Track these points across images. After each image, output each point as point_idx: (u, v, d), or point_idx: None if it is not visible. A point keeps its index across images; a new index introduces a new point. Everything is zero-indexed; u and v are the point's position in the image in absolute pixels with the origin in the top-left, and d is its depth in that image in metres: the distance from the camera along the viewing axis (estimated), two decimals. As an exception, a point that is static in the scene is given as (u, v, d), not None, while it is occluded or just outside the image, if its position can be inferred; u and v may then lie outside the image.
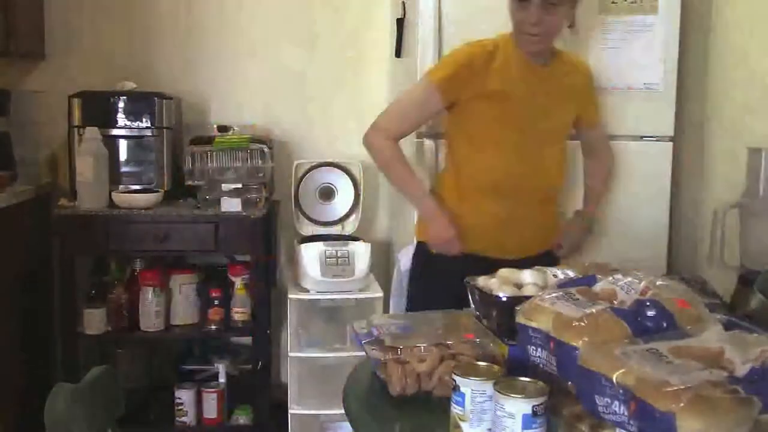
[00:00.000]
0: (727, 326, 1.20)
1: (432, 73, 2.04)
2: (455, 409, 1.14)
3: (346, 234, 2.92)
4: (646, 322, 1.15)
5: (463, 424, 1.13)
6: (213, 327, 2.83)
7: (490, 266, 1.67)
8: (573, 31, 2.34)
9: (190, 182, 2.78)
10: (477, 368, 1.19)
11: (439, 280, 2.01)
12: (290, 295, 2.76)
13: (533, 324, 1.22)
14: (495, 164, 2.03)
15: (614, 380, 0.99)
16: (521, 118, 2.02)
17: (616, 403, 0.99)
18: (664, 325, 1.15)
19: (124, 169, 2.84)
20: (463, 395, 1.13)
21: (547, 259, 2.05)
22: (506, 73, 1.98)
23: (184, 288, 2.83)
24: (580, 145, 2.31)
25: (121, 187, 2.77)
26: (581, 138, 2.28)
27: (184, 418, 2.82)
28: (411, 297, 2.18)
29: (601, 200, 2.35)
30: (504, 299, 1.38)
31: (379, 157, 2.09)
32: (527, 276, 1.49)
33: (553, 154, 2.11)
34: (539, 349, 1.21)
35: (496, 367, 1.20)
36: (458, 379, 1.14)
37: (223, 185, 2.74)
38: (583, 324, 1.14)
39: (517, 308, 1.29)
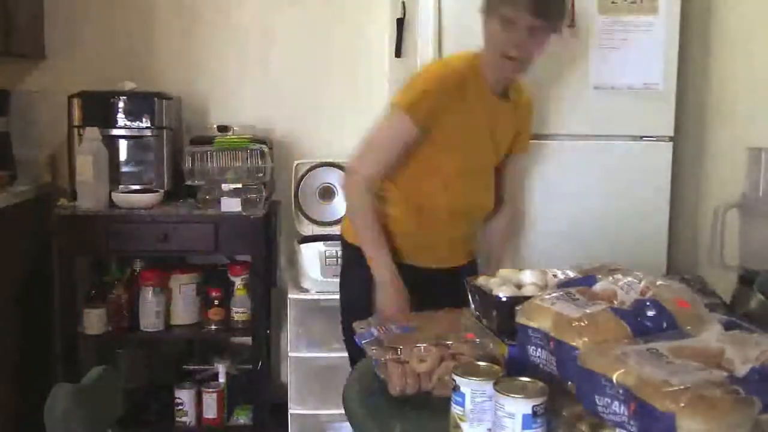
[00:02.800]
0: (727, 326, 1.20)
1: (403, 103, 1.86)
2: (455, 409, 1.14)
3: (346, 234, 2.92)
4: (646, 322, 1.15)
5: (463, 424, 1.13)
6: (213, 327, 2.83)
7: (418, 274, 1.91)
8: (573, 31, 2.35)
9: (190, 182, 2.78)
10: (477, 368, 1.19)
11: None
12: (290, 295, 2.76)
13: (533, 324, 1.22)
14: (438, 192, 1.94)
15: (614, 380, 0.99)
16: (475, 150, 1.95)
17: (616, 403, 0.99)
18: (664, 325, 1.15)
19: (124, 169, 2.84)
20: (463, 395, 1.13)
21: (471, 267, 2.09)
22: (474, 103, 1.89)
23: (184, 288, 2.83)
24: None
25: (121, 187, 2.77)
26: (503, 168, 2.13)
27: (184, 418, 2.82)
28: (346, 301, 2.08)
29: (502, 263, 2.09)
30: (504, 299, 1.38)
31: (358, 212, 1.94)
32: (527, 276, 1.49)
33: (490, 180, 2.07)
34: (539, 349, 1.21)
35: (496, 367, 1.20)
36: (458, 379, 1.14)
37: (223, 185, 2.74)
38: (583, 324, 1.14)
39: (517, 308, 1.29)
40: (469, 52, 1.92)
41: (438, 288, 1.92)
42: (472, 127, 1.92)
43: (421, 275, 1.96)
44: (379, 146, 1.90)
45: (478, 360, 1.27)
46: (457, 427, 1.14)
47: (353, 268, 2.02)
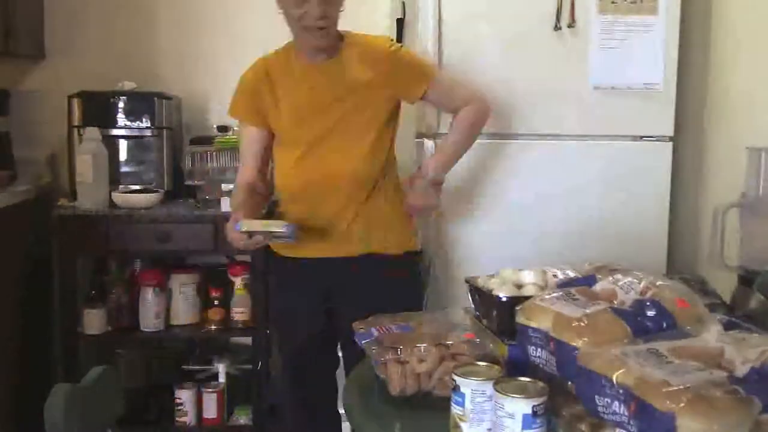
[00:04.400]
0: (727, 326, 1.20)
1: (230, 110, 2.08)
2: (455, 409, 1.14)
3: (346, 234, 2.91)
4: (646, 322, 1.15)
5: (463, 424, 1.13)
6: (213, 327, 2.83)
7: (319, 266, 1.96)
8: (573, 31, 2.35)
9: (190, 182, 2.78)
10: (477, 368, 1.19)
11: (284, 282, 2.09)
12: (290, 295, 2.76)
13: (533, 324, 1.22)
14: (287, 170, 2.02)
15: (614, 380, 0.99)
16: (306, 119, 1.96)
17: (616, 403, 0.99)
18: (664, 325, 1.15)
19: (124, 169, 2.84)
20: (463, 395, 1.13)
21: (371, 260, 1.97)
22: (286, 78, 1.98)
23: (184, 288, 2.83)
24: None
25: (121, 187, 2.77)
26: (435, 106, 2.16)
27: (184, 418, 2.82)
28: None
29: (446, 151, 2.07)
30: (504, 299, 1.38)
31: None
32: (527, 276, 1.49)
33: (355, 147, 1.96)
34: (539, 349, 1.21)
35: (496, 367, 1.20)
36: (458, 379, 1.14)
37: (223, 185, 2.74)
38: (583, 324, 1.14)
39: (517, 308, 1.29)
40: (285, 44, 2.03)
41: (336, 282, 1.97)
42: (292, 100, 1.97)
43: (311, 268, 1.99)
44: (240, 155, 2.12)
45: (478, 360, 1.28)
46: (457, 427, 1.14)
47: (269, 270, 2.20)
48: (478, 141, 2.23)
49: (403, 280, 2.03)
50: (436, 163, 2.03)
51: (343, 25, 3.09)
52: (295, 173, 1.99)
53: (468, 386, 1.13)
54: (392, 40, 2.15)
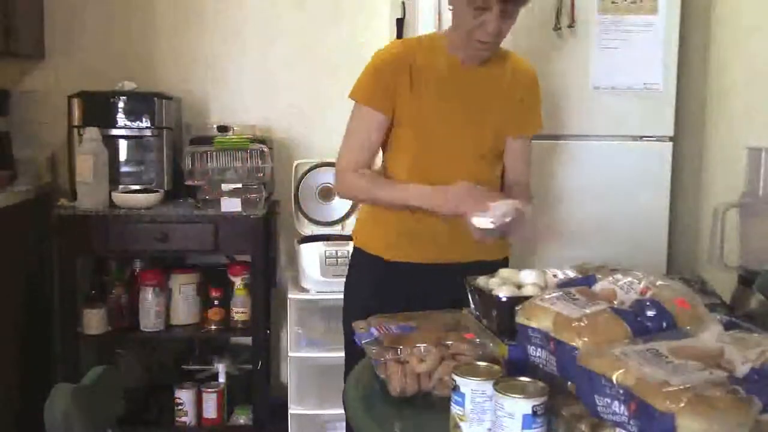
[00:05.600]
0: (727, 326, 1.20)
1: (354, 92, 1.86)
2: (455, 409, 1.14)
3: (346, 234, 2.91)
4: (646, 322, 1.15)
5: (462, 424, 1.13)
6: (213, 327, 2.83)
7: (412, 271, 1.83)
8: (573, 31, 2.35)
9: (190, 182, 2.78)
10: (477, 368, 1.19)
11: (377, 286, 1.91)
12: (290, 295, 2.76)
13: (533, 324, 1.22)
14: (403, 171, 1.86)
15: (614, 380, 0.99)
16: (453, 119, 1.84)
17: (616, 403, 0.99)
18: (664, 325, 1.15)
19: (124, 169, 2.84)
20: (463, 395, 1.13)
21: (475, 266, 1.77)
22: (432, 69, 1.82)
23: (184, 288, 2.83)
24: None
25: (121, 187, 2.77)
26: (505, 156, 1.95)
27: (184, 418, 2.82)
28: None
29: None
30: (504, 299, 1.38)
31: (359, 195, 1.91)
32: (527, 276, 1.49)
33: (474, 161, 1.87)
34: (539, 349, 1.21)
35: (496, 367, 1.20)
36: (458, 379, 1.14)
37: (223, 185, 2.74)
38: (583, 324, 1.14)
39: (517, 308, 1.29)
40: (427, 33, 1.90)
41: (433, 287, 1.86)
42: (429, 99, 1.82)
43: (415, 273, 1.89)
44: (347, 140, 1.88)
45: (478, 360, 1.27)
46: (457, 427, 1.14)
47: (354, 269, 2.01)
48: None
49: None
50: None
51: (343, 26, 3.12)
52: (419, 172, 1.84)
53: (468, 386, 1.12)
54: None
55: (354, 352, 1.79)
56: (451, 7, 1.79)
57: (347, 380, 1.50)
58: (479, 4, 1.69)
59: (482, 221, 1.63)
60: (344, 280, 2.03)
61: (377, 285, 1.93)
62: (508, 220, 1.63)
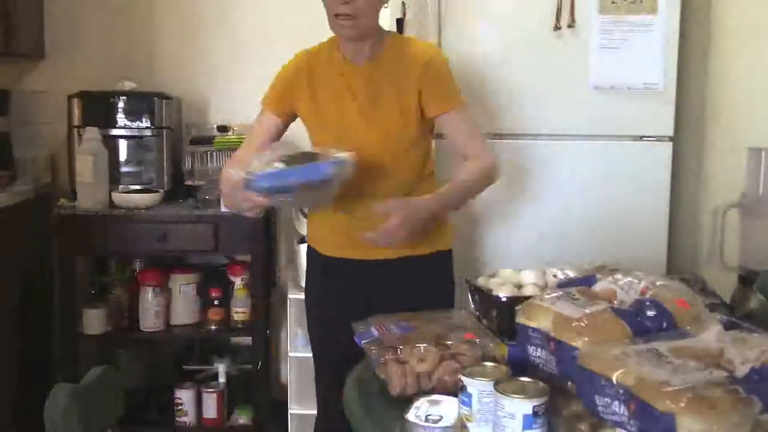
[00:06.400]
0: (727, 326, 1.20)
1: (262, 99, 2.02)
2: (462, 410, 1.14)
3: (346, 234, 2.91)
4: (646, 322, 1.15)
5: (469, 425, 1.13)
6: (213, 327, 2.83)
7: (345, 266, 1.91)
8: (573, 31, 2.35)
9: (190, 182, 2.78)
10: (484, 369, 1.20)
11: (325, 281, 2.01)
12: (290, 295, 2.76)
13: (533, 324, 1.22)
14: None
15: (614, 380, 0.99)
16: (348, 114, 1.90)
17: (616, 403, 0.99)
18: (664, 325, 1.15)
19: (124, 169, 2.84)
20: (470, 395, 1.13)
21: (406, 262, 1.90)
22: (324, 75, 1.93)
23: (184, 288, 2.83)
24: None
25: (121, 187, 2.77)
26: (445, 136, 1.98)
27: (184, 418, 2.82)
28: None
29: (448, 196, 1.89)
30: (504, 299, 1.39)
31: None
32: (527, 276, 1.49)
33: (383, 153, 1.89)
34: (539, 349, 1.21)
35: (503, 368, 1.20)
36: (465, 380, 1.14)
37: (223, 185, 2.74)
38: (583, 324, 1.14)
39: (517, 308, 1.29)
40: (330, 37, 1.97)
41: (374, 283, 1.92)
42: (328, 99, 1.91)
43: (352, 269, 1.95)
44: (247, 143, 2.02)
45: (478, 360, 1.27)
46: (464, 427, 1.14)
47: (307, 268, 2.09)
48: (477, 141, 2.23)
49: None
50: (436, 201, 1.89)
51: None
52: None
53: (475, 386, 1.13)
54: (437, 48, 2.02)
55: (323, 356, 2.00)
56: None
57: (347, 380, 1.49)
58: None
59: (234, 173, 1.68)
60: None
61: (327, 281, 2.01)
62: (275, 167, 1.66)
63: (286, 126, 2.00)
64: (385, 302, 1.69)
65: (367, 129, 1.89)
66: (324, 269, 2.01)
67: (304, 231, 2.89)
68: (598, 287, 1.30)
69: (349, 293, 1.95)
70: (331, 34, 1.94)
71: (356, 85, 1.90)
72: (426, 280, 1.94)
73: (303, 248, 2.74)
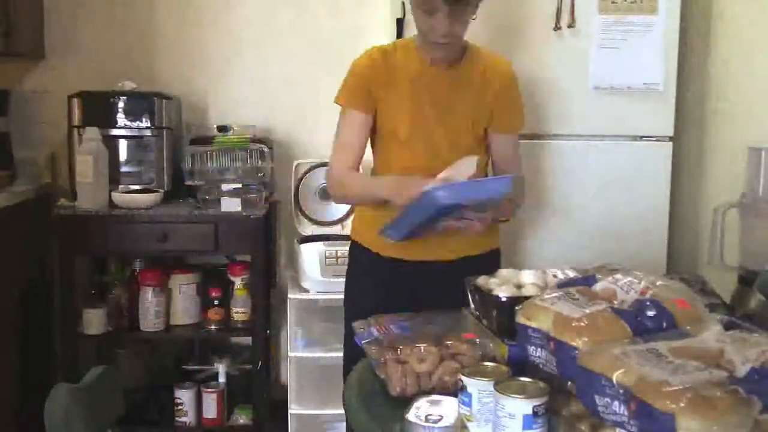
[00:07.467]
0: (727, 326, 1.20)
1: (339, 97, 1.98)
2: (462, 410, 1.14)
3: (346, 234, 2.91)
4: (646, 322, 1.15)
5: (470, 425, 1.13)
6: (213, 327, 2.83)
7: (403, 268, 1.92)
8: (573, 31, 2.35)
9: (190, 182, 2.78)
10: (484, 368, 1.20)
11: (373, 280, 2.00)
12: (290, 295, 2.76)
13: (533, 324, 1.22)
14: (407, 163, 1.93)
15: (614, 380, 0.99)
16: (425, 117, 1.93)
17: (616, 403, 0.99)
18: (664, 325, 1.15)
19: (124, 169, 2.84)
20: (470, 395, 1.13)
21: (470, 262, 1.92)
22: (403, 77, 1.93)
23: (184, 288, 2.83)
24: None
25: (121, 187, 2.77)
26: (491, 152, 2.03)
27: (184, 418, 2.82)
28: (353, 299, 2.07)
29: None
30: (504, 299, 1.38)
31: (349, 196, 2.04)
32: (527, 276, 1.49)
33: (454, 154, 1.90)
34: (539, 349, 1.21)
35: (503, 368, 1.20)
36: (465, 380, 1.14)
37: (223, 185, 2.74)
38: (583, 324, 1.14)
39: (517, 308, 1.29)
40: (404, 38, 2.00)
41: (426, 284, 1.94)
42: (405, 100, 1.93)
43: (405, 269, 1.96)
44: (336, 143, 1.99)
45: (478, 360, 1.28)
46: (464, 427, 1.14)
47: (351, 265, 2.09)
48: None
49: None
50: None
51: (343, 26, 3.12)
52: (400, 168, 1.95)
53: (475, 386, 1.13)
54: (510, 63, 2.03)
55: (354, 349, 1.82)
56: (414, 19, 1.87)
57: (347, 380, 1.50)
58: (426, 8, 1.79)
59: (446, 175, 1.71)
60: (344, 279, 2.11)
61: (375, 280, 1.99)
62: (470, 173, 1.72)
63: (373, 123, 1.97)
64: (439, 304, 1.68)
65: (440, 134, 1.93)
66: (375, 268, 2.00)
67: (304, 231, 2.90)
68: (598, 287, 1.30)
69: (396, 293, 1.93)
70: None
71: (437, 91, 1.93)
72: None
73: (303, 248, 2.76)
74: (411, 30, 2.47)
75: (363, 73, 1.95)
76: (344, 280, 2.11)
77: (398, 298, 1.88)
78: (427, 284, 1.95)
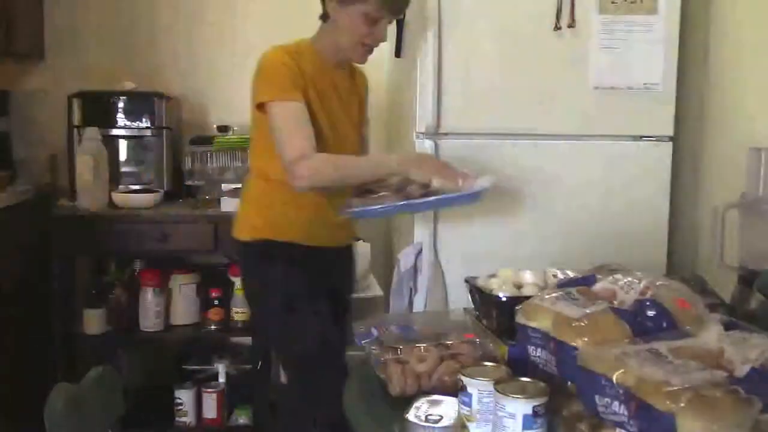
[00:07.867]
0: (727, 326, 1.20)
1: (275, 92, 1.95)
2: (462, 410, 1.14)
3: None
4: (646, 322, 1.15)
5: (470, 425, 1.13)
6: (213, 327, 2.84)
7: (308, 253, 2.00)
8: (573, 31, 2.35)
9: (190, 182, 2.78)
10: (484, 368, 1.20)
11: (283, 269, 2.01)
12: (290, 295, 2.76)
13: (533, 324, 1.22)
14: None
15: (614, 380, 0.99)
16: (338, 117, 2.05)
17: (616, 403, 0.99)
18: (664, 325, 1.15)
19: (124, 169, 2.84)
20: (470, 395, 1.13)
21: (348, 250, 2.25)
22: (314, 75, 2.00)
23: (184, 288, 2.83)
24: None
25: (121, 187, 2.78)
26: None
27: (184, 418, 2.82)
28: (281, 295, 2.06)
29: None
30: (504, 299, 1.39)
31: (326, 174, 1.93)
32: (527, 276, 1.49)
33: (354, 150, 2.12)
34: (539, 349, 1.21)
35: (503, 368, 1.20)
36: (465, 380, 1.14)
37: (222, 185, 2.74)
38: (583, 324, 1.14)
39: (517, 308, 1.29)
40: (293, 41, 2.07)
41: (327, 264, 2.07)
42: (320, 96, 2.01)
43: (314, 253, 2.04)
44: (292, 134, 1.92)
45: (478, 360, 1.28)
46: (464, 427, 1.14)
47: (271, 259, 2.02)
48: (476, 141, 2.24)
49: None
50: None
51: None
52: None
53: (475, 386, 1.13)
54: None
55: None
56: (340, 18, 1.97)
57: (347, 380, 1.49)
58: (375, 17, 1.94)
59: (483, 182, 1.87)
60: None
61: (298, 266, 2.00)
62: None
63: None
64: (344, 287, 2.20)
65: (347, 124, 2.10)
66: (297, 259, 2.00)
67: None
68: (598, 287, 1.30)
69: (319, 280, 2.03)
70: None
71: (340, 87, 2.08)
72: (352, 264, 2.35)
73: (303, 248, 2.76)
74: (411, 30, 2.47)
75: (289, 64, 1.97)
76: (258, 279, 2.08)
77: (320, 284, 2.03)
78: (338, 269, 2.16)
